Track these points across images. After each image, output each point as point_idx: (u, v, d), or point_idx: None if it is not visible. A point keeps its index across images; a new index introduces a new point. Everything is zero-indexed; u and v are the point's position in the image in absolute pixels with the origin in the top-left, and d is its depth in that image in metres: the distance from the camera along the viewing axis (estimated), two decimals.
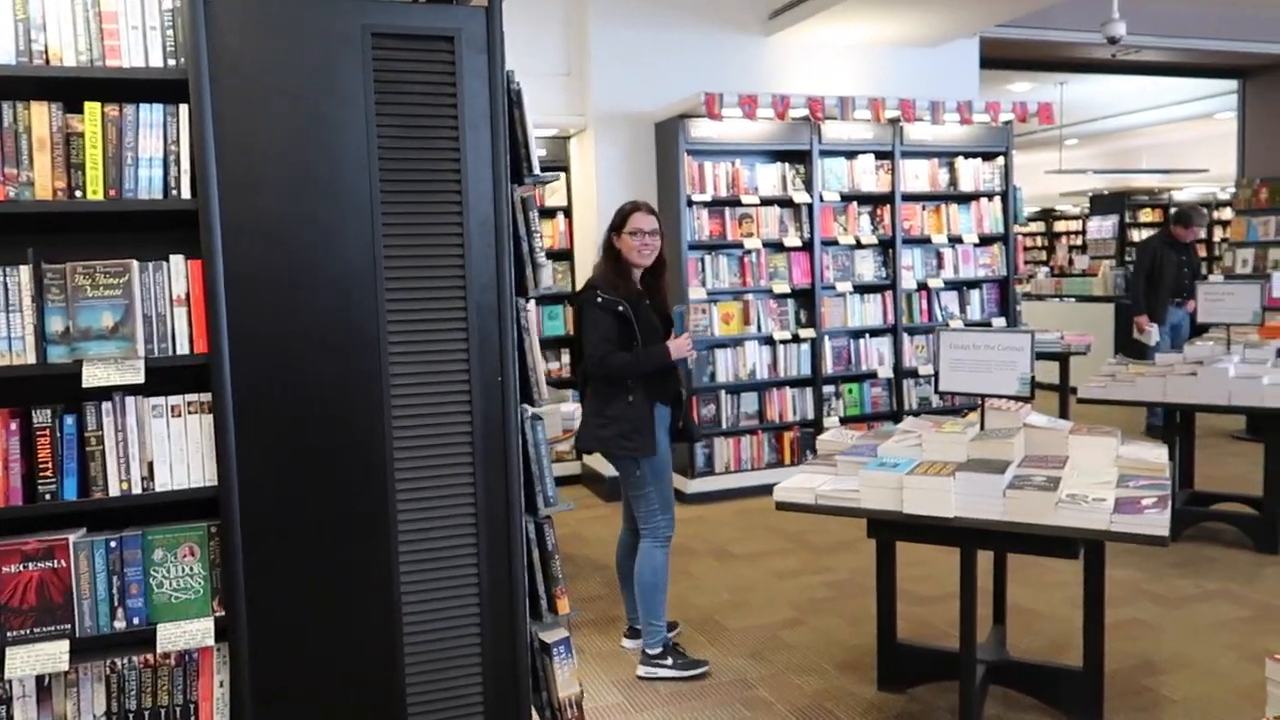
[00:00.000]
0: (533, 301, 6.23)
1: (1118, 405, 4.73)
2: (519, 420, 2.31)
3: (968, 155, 6.36)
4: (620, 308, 3.28)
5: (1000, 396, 2.92)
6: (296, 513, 2.11)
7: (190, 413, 2.06)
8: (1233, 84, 9.81)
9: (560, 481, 6.34)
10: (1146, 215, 15.19)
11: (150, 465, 2.04)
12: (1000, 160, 6.45)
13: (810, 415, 6.07)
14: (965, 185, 6.36)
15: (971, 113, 5.90)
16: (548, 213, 6.34)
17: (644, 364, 3.32)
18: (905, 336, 6.27)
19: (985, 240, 6.46)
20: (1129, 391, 4.55)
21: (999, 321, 6.49)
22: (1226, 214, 15.49)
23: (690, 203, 5.73)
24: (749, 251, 5.88)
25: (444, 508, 2.23)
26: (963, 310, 6.44)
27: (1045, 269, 13.17)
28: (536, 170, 2.32)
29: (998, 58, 7.74)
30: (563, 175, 6.34)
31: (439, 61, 2.15)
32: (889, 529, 2.82)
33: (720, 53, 6.09)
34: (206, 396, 2.05)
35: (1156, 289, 6.87)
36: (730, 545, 5.01)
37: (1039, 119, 6.06)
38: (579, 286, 6.33)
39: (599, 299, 3.31)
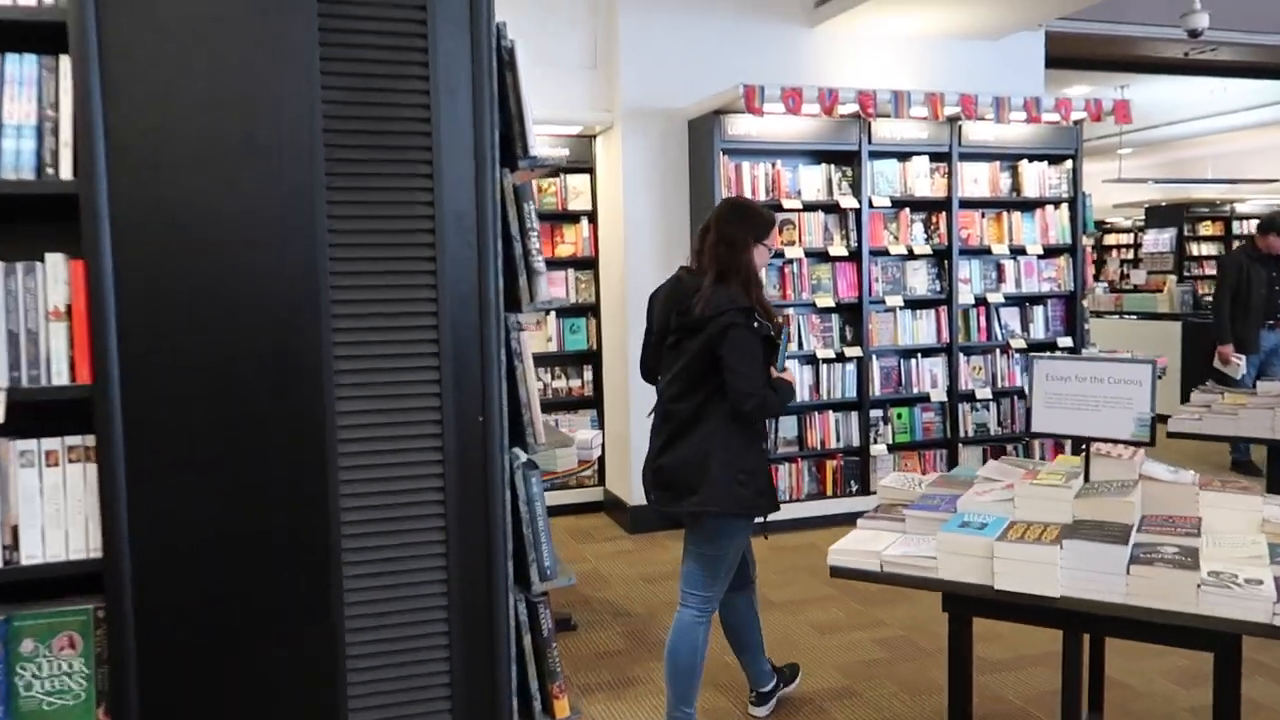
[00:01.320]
0: (543, 316, 5.76)
1: (1210, 440, 4.15)
2: (507, 470, 1.80)
3: (1032, 158, 5.78)
4: (771, 332, 2.79)
5: (1112, 441, 2.36)
6: (209, 593, 1.61)
7: (70, 461, 1.57)
8: None
9: (579, 509, 5.84)
10: (1206, 228, 14.46)
11: (14, 530, 1.55)
12: (1068, 164, 5.86)
13: (855, 442, 5.51)
14: (1029, 191, 5.78)
15: (1040, 110, 5.33)
16: (570, 217, 5.84)
17: (785, 401, 2.86)
18: (961, 356, 5.69)
19: (1050, 251, 5.87)
20: (1230, 426, 3.96)
21: (1064, 341, 5.90)
22: None
23: None
24: (790, 261, 5.34)
25: (406, 585, 1.72)
26: (1025, 328, 5.86)
27: (1102, 284, 12.48)
28: (534, 152, 1.81)
29: (1061, 56, 7.14)
30: (588, 176, 5.85)
31: (406, 6, 1.65)
32: (973, 605, 2.27)
33: (760, 44, 5.57)
34: (91, 440, 1.56)
35: (1245, 311, 6.16)
36: (766, 590, 4.46)
37: (1115, 118, 5.47)
38: (605, 297, 5.91)
39: (756, 323, 2.74)
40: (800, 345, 5.38)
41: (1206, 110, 10.87)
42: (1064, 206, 5.89)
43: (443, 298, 1.68)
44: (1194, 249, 14.22)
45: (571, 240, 5.86)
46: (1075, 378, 2.40)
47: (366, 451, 1.67)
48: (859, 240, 5.41)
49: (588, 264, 5.89)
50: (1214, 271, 14.26)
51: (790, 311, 5.30)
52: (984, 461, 5.76)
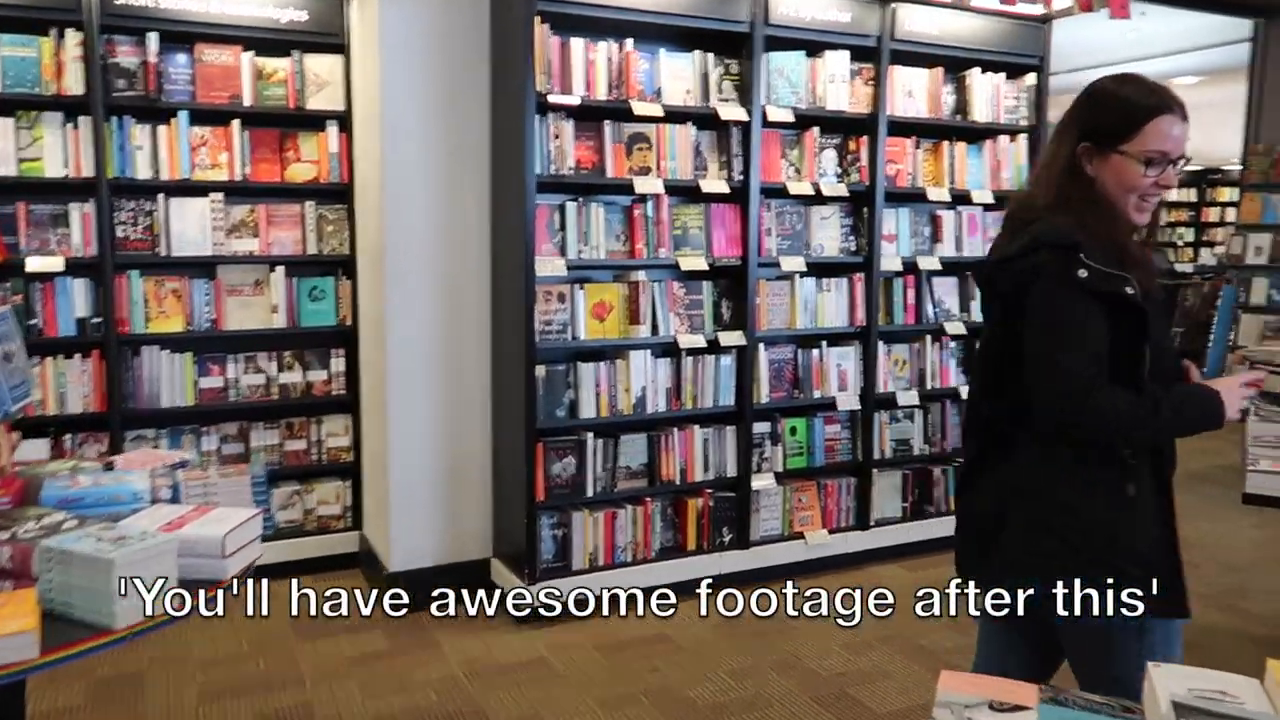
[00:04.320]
0: (265, 274, 3.65)
1: None
2: None
3: (985, 66, 4.09)
4: (1129, 290, 1.56)
5: None
6: None
7: None
8: (1242, 27, 7.90)
9: (320, 565, 3.86)
10: None
11: None
12: (1030, 79, 4.21)
13: (731, 470, 3.74)
14: (979, 113, 4.10)
15: None
16: (310, 121, 3.78)
17: (1175, 423, 1.61)
18: (880, 346, 3.99)
19: (1001, 201, 4.23)
20: None
21: None
22: (1172, 194, 13.94)
23: (545, 108, 3.30)
24: (641, 199, 3.49)
25: None
26: (964, 307, 4.21)
27: None
28: None
29: None
30: (339, 59, 3.79)
31: None
32: None
33: None
34: None
35: None
36: None
37: (1110, 9, 3.82)
38: (365, 246, 3.85)
39: (1082, 272, 1.55)
40: (654, 329, 3.55)
41: (1123, 55, 9.59)
42: (1021, 139, 4.24)
43: None
44: None
45: (312, 157, 3.80)
46: None
47: None
48: (746, 172, 3.60)
49: (338, 195, 3.85)
50: None
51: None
52: (905, 496, 4.11)
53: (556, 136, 3.35)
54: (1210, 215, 13.74)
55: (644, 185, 3.43)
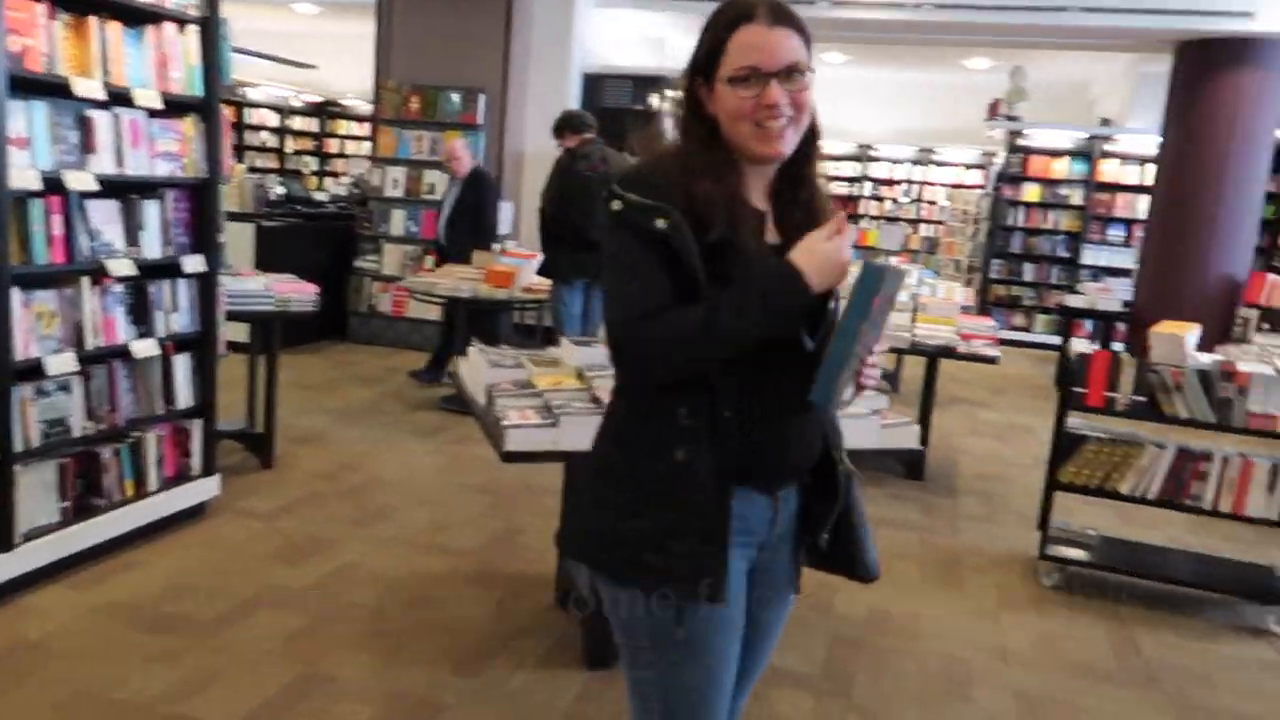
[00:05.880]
0: None
1: None
2: None
3: None
4: (659, 223, 1.34)
5: None
6: None
7: None
8: None
9: None
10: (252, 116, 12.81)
11: None
12: None
13: None
14: None
15: None
16: None
17: (734, 322, 1.32)
18: (16, 294, 2.84)
19: (171, 107, 3.36)
20: None
21: (193, 261, 3.51)
22: (297, 123, 14.10)
23: None
24: None
25: None
26: (132, 240, 3.26)
27: None
28: None
29: None
30: None
31: None
32: None
33: None
34: None
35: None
36: None
37: None
38: None
39: (616, 204, 1.38)
40: None
41: None
42: (191, 31, 3.42)
43: None
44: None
45: None
46: None
47: None
48: None
49: None
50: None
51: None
52: (64, 493, 3.11)
53: None
54: (332, 146, 14.31)
55: None
